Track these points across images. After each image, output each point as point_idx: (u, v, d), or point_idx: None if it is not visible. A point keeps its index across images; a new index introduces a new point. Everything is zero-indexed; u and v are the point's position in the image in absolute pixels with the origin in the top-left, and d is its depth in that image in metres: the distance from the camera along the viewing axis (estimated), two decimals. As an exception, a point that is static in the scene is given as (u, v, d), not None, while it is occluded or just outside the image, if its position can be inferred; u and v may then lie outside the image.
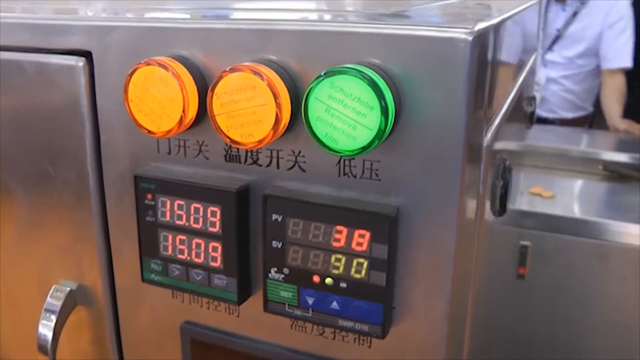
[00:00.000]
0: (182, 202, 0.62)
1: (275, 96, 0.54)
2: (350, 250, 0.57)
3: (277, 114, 0.54)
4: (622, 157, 2.23)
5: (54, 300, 0.75)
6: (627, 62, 2.62)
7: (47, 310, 0.75)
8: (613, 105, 2.65)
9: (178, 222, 0.63)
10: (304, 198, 0.58)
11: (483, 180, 0.63)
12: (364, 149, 0.52)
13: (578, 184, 2.14)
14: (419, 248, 0.57)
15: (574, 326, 1.89)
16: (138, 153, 0.66)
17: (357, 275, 0.57)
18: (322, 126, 0.53)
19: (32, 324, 0.75)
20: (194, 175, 0.63)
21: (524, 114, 1.05)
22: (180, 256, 0.64)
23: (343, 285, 0.58)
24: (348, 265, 0.57)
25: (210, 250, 0.62)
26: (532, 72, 1.13)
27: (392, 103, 0.52)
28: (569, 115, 2.80)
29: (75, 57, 0.67)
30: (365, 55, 0.54)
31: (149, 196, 0.64)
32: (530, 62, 1.07)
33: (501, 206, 0.75)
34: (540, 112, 2.70)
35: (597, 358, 1.88)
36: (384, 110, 0.51)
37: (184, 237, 0.63)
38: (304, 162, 0.59)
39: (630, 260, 1.78)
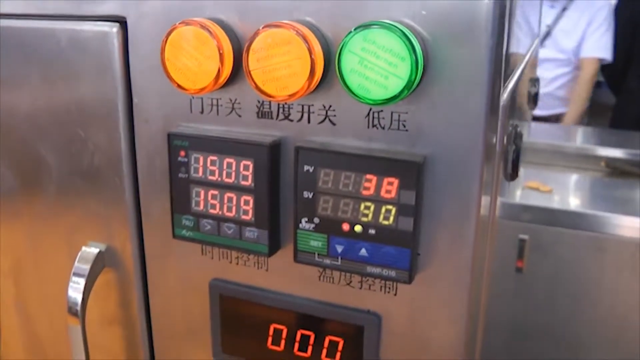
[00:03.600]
0: (214, 158, 0.66)
1: (311, 50, 0.58)
2: (379, 197, 0.61)
3: (312, 66, 0.58)
4: (619, 153, 2.28)
5: (83, 261, 0.78)
6: (607, 54, 2.81)
7: (76, 272, 0.78)
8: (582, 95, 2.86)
9: (210, 177, 0.67)
10: (334, 149, 0.62)
11: (500, 138, 0.68)
12: (395, 97, 0.57)
13: (574, 178, 2.19)
14: (443, 196, 0.61)
15: (571, 318, 1.93)
16: (170, 114, 0.70)
17: (386, 222, 0.61)
18: (355, 77, 0.57)
19: (61, 286, 0.78)
20: (227, 133, 0.67)
21: (529, 95, 1.10)
22: (211, 211, 0.68)
23: (372, 232, 0.62)
24: (377, 212, 0.61)
25: (242, 203, 0.66)
26: (536, 55, 1.19)
27: (421, 54, 0.56)
28: (563, 110, 2.91)
29: (109, 23, 0.70)
30: (393, 13, 0.59)
31: (182, 153, 0.67)
32: (534, 45, 1.12)
33: (513, 170, 0.80)
34: (537, 112, 2.79)
35: (594, 349, 1.92)
36: (414, 61, 0.55)
37: (216, 192, 0.67)
38: (334, 115, 0.63)
39: (627, 252, 1.82)
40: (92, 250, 0.78)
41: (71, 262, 0.78)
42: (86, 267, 0.78)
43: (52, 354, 0.88)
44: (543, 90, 2.80)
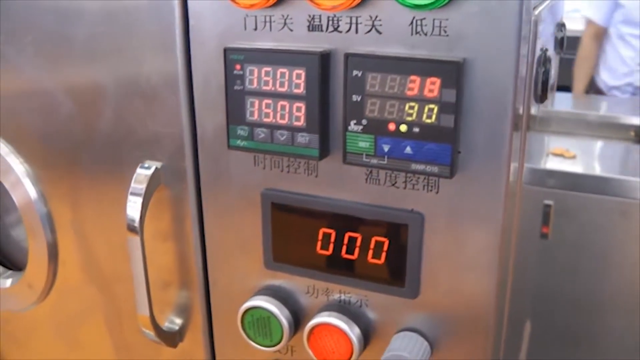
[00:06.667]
0: (269, 69, 0.75)
1: (360, -40, 0.67)
2: (422, 97, 0.69)
3: (360, -24, 0.67)
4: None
5: (139, 180, 0.86)
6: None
7: (132, 191, 0.87)
8: None
9: (264, 87, 0.75)
10: (381, 53, 0.70)
11: (532, 49, 0.76)
12: (437, 1, 0.65)
13: (599, 145, 2.25)
14: (481, 97, 0.70)
15: (596, 283, 1.99)
16: (225, 33, 0.78)
17: (429, 120, 0.70)
18: (400, -16, 0.66)
19: (118, 205, 0.87)
20: (279, 46, 0.75)
21: (556, 39, 1.17)
22: (265, 120, 0.76)
23: (416, 130, 0.70)
24: (420, 111, 0.70)
25: (294, 110, 0.75)
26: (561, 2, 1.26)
27: (462, -40, 0.64)
28: None
29: (166, -49, 0.79)
30: None
31: (238, 67, 0.76)
32: (559, -10, 1.19)
33: (543, 91, 0.87)
34: None
35: (618, 314, 1.98)
36: (456, -35, 0.64)
37: (269, 101, 0.76)
38: (380, 25, 0.71)
39: (652, 217, 1.88)
40: (148, 169, 0.87)
41: (127, 181, 0.87)
42: (142, 187, 0.87)
43: (108, 271, 0.97)
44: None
